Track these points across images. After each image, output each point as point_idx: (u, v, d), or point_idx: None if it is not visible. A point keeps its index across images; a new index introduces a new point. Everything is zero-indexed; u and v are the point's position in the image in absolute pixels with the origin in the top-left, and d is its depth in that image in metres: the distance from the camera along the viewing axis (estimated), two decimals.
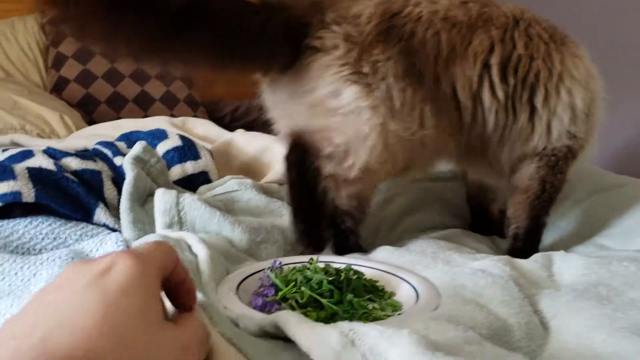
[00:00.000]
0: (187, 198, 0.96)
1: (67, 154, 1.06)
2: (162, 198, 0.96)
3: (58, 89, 2.31)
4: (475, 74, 0.95)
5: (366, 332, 0.55)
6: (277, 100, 0.99)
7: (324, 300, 0.75)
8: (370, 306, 0.77)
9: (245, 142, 1.39)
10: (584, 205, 1.22)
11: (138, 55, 0.89)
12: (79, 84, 2.33)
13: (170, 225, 0.91)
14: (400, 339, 0.54)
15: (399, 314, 0.76)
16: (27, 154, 1.05)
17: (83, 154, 1.08)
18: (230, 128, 1.70)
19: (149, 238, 0.86)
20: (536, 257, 0.90)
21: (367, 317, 0.74)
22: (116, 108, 2.34)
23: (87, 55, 2.37)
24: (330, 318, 0.73)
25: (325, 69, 0.90)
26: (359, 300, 0.76)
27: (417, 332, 0.59)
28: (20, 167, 0.95)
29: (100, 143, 1.18)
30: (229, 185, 1.10)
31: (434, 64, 0.93)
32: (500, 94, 0.97)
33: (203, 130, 1.53)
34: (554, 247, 1.04)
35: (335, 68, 0.90)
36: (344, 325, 0.57)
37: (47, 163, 1.01)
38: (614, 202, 1.20)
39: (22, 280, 0.77)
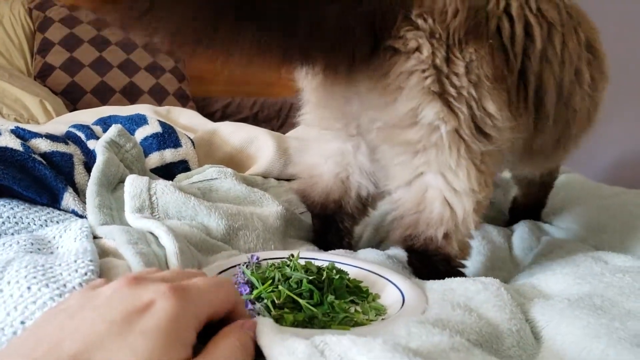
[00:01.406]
0: (160, 183, 0.90)
1: (36, 134, 0.99)
2: (133, 182, 0.89)
3: (42, 75, 2.24)
4: (567, 79, 0.88)
5: (337, 341, 0.50)
6: (337, 104, 0.89)
7: (302, 301, 0.69)
8: (352, 309, 0.71)
9: (230, 132, 1.32)
10: (582, 215, 1.21)
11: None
12: (64, 72, 2.27)
13: (140, 210, 0.85)
14: (373, 346, 0.48)
15: (382, 319, 0.71)
16: None
17: (54, 136, 1.02)
18: None
19: (115, 227, 0.80)
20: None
21: (348, 321, 0.68)
22: (102, 98, 2.27)
23: (75, 43, 2.31)
24: (308, 321, 0.67)
25: (406, 78, 0.78)
26: (340, 303, 0.70)
27: (398, 338, 0.54)
28: None
29: (74, 126, 1.11)
30: (207, 173, 1.04)
31: (521, 63, 0.84)
32: (588, 101, 0.92)
33: (187, 120, 1.47)
34: (551, 254, 1.02)
35: (417, 76, 0.77)
36: (318, 336, 0.51)
37: (13, 143, 0.94)
38: (612, 211, 1.18)
39: None
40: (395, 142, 0.82)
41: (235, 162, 1.27)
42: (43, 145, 0.97)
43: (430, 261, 0.86)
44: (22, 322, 0.55)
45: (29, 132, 1.00)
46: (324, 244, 0.99)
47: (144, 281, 0.46)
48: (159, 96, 2.35)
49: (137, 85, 2.34)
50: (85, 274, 0.63)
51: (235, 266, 0.78)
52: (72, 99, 2.22)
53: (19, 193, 0.87)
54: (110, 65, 2.34)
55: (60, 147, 0.98)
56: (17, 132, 0.99)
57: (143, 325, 0.40)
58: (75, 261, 0.65)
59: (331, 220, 0.99)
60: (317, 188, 0.98)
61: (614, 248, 1.05)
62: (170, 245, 0.74)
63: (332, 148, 0.96)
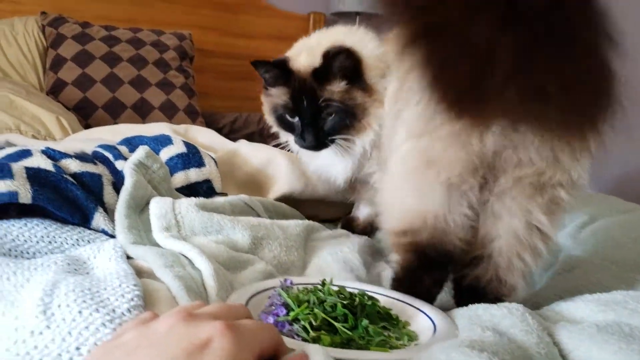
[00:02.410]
0: (184, 202, 0.93)
1: (66, 155, 1.01)
2: (158, 204, 0.92)
3: (55, 91, 2.26)
4: None
5: None
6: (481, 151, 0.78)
7: (338, 325, 0.71)
8: (385, 334, 0.72)
9: (250, 153, 1.36)
10: (598, 230, 1.22)
11: None
12: (76, 87, 2.28)
13: (167, 229, 0.87)
14: None
15: (415, 344, 0.72)
16: (25, 154, 1.00)
17: (83, 157, 1.04)
18: (229, 139, 1.66)
19: (147, 248, 0.82)
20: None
21: (384, 345, 0.69)
22: (113, 114, 2.29)
23: (87, 59, 2.33)
24: (346, 343, 0.69)
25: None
26: (374, 327, 0.72)
27: None
28: (18, 167, 0.90)
29: (101, 146, 1.13)
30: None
31: None
32: None
33: (206, 139, 1.49)
34: (569, 274, 1.02)
35: None
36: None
37: (45, 164, 0.96)
38: (627, 227, 1.19)
39: (14, 285, 0.72)
40: (543, 198, 0.80)
41: (256, 182, 1.30)
42: (73, 165, 0.99)
43: (481, 296, 0.84)
44: (78, 349, 0.56)
45: (59, 152, 1.01)
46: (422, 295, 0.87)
47: (197, 317, 0.48)
48: (169, 112, 2.37)
49: (148, 101, 2.36)
50: (132, 299, 0.65)
51: (268, 289, 0.80)
52: (84, 114, 2.23)
53: (51, 213, 0.89)
54: (122, 81, 2.35)
55: (90, 168, 1.00)
56: (48, 153, 1.01)
57: None
58: (120, 285, 0.67)
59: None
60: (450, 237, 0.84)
61: (631, 265, 1.06)
62: (206, 268, 0.76)
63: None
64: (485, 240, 0.83)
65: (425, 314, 0.79)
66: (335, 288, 0.78)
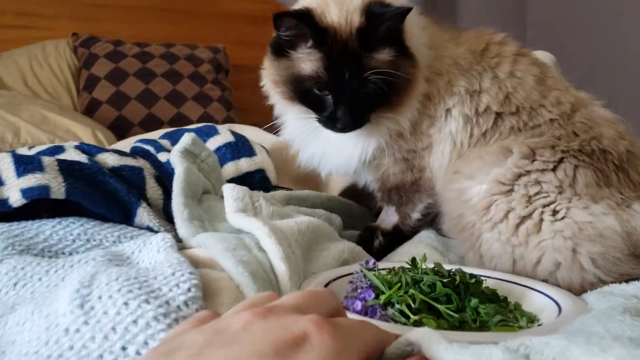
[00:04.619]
0: (260, 195, 0.81)
1: (102, 149, 0.91)
2: (233, 188, 0.80)
3: (90, 111, 2.19)
4: None
5: (544, 343, 0.38)
6: None
7: (441, 307, 0.57)
8: (497, 317, 0.58)
9: None
10: None
11: None
12: (111, 106, 2.21)
13: (244, 211, 0.74)
14: (604, 343, 0.36)
15: (539, 325, 0.58)
16: (58, 149, 0.90)
17: (121, 151, 0.93)
18: None
19: (206, 234, 0.69)
20: None
21: (506, 326, 0.55)
22: (150, 130, 2.16)
23: (121, 76, 2.27)
24: (458, 326, 0.55)
25: None
26: (486, 308, 0.58)
27: (602, 334, 0.48)
28: (48, 159, 0.79)
29: (140, 141, 1.02)
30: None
31: None
32: None
33: (253, 135, 1.36)
34: None
35: None
36: (511, 340, 0.40)
37: (79, 157, 0.85)
38: None
39: (47, 286, 0.60)
40: None
41: (314, 175, 1.16)
42: (110, 159, 0.88)
43: None
44: (124, 348, 0.44)
45: (95, 147, 0.91)
46: None
47: (278, 311, 0.38)
48: None
49: (185, 115, 2.28)
50: (189, 289, 0.52)
51: (347, 275, 0.67)
52: (120, 132, 2.14)
53: (88, 210, 0.78)
54: (157, 96, 2.28)
55: (129, 161, 0.89)
56: (82, 148, 0.90)
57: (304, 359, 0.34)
58: (174, 274, 0.54)
59: None
60: None
61: None
62: (273, 249, 0.63)
63: None
64: None
65: (540, 292, 0.65)
66: (425, 268, 0.64)
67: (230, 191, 0.78)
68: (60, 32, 2.46)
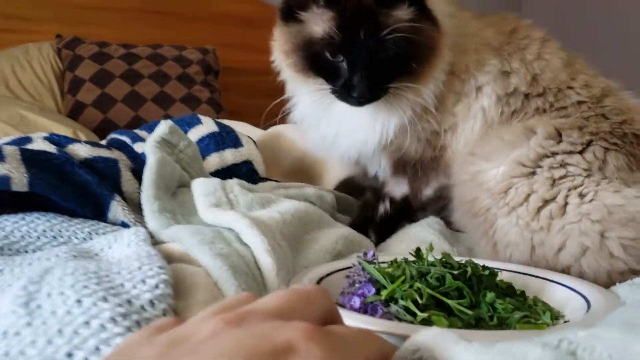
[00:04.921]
0: (235, 181, 0.72)
1: (74, 140, 0.83)
2: (203, 182, 0.72)
3: (74, 114, 2.11)
4: None
5: (591, 337, 0.30)
6: None
7: (452, 303, 0.49)
8: (516, 313, 0.51)
9: (297, 135, 1.12)
10: None
11: None
12: (96, 109, 2.13)
13: (217, 206, 0.66)
14: None
15: (565, 322, 0.51)
16: (24, 140, 0.82)
17: (95, 142, 0.85)
18: None
19: (180, 227, 0.61)
20: None
21: (529, 322, 0.48)
22: None
23: (106, 78, 2.19)
24: (474, 325, 0.48)
25: None
26: (504, 303, 0.51)
27: None
28: (10, 148, 0.71)
29: (116, 132, 0.95)
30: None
31: None
32: None
33: (240, 128, 1.28)
34: None
35: None
36: (550, 335, 0.32)
37: (48, 148, 0.78)
38: None
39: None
40: None
41: (304, 167, 1.09)
42: (82, 150, 0.80)
43: None
44: (69, 355, 0.36)
45: (66, 137, 0.83)
46: None
47: (256, 316, 0.30)
48: None
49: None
50: (157, 286, 0.44)
51: (338, 270, 0.60)
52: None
53: (56, 204, 0.70)
54: (144, 98, 2.19)
55: (103, 152, 0.81)
56: (52, 139, 0.83)
57: None
58: (140, 268, 0.47)
59: None
60: None
61: None
62: (257, 241, 0.55)
63: None
64: None
65: (563, 285, 0.58)
66: (432, 259, 0.57)
67: (198, 186, 0.70)
68: (44, 36, 2.37)
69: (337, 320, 0.34)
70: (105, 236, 0.64)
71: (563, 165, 0.73)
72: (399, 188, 0.92)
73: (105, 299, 0.40)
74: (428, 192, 0.90)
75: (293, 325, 0.29)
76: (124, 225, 0.72)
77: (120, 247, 0.58)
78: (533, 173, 0.73)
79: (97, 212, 0.73)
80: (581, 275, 0.66)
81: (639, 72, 2.29)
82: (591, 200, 0.69)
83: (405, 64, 0.80)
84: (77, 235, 0.67)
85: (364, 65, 0.78)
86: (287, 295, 0.33)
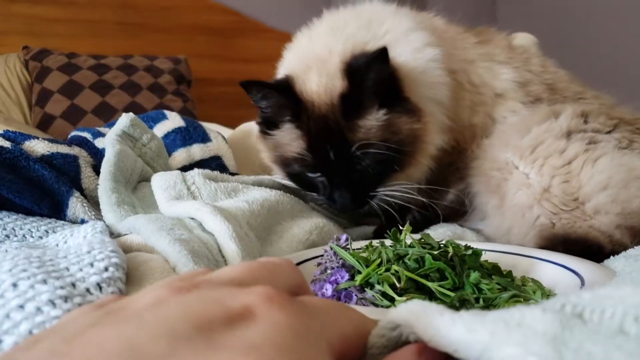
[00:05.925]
0: (196, 172, 0.68)
1: (31, 136, 0.78)
2: (162, 176, 0.68)
3: (43, 127, 2.06)
4: None
5: (606, 297, 0.26)
6: None
7: (433, 285, 0.46)
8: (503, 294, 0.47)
9: None
10: None
11: None
12: (66, 120, 2.08)
13: (178, 199, 0.62)
14: None
15: None
16: None
17: (53, 139, 0.81)
18: None
19: (138, 216, 0.57)
20: None
21: (520, 302, 0.45)
22: None
23: (76, 90, 2.14)
24: (455, 309, 0.44)
25: None
26: (490, 283, 0.47)
27: None
28: None
29: (77, 129, 0.91)
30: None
31: None
32: None
33: (212, 127, 1.24)
34: None
35: None
36: (555, 299, 0.28)
37: (2, 143, 0.73)
38: None
39: None
40: None
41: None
42: (40, 147, 0.76)
43: None
44: None
45: (21, 134, 0.78)
46: None
47: (209, 284, 0.26)
48: None
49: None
50: (106, 269, 0.40)
51: (310, 259, 0.56)
52: None
53: (9, 202, 0.66)
54: (115, 109, 2.15)
55: (62, 149, 0.77)
56: (7, 135, 0.78)
57: (241, 338, 0.22)
58: (90, 252, 0.42)
59: None
60: None
61: None
62: (221, 228, 0.51)
63: None
64: None
65: (553, 262, 0.55)
66: (409, 240, 0.53)
67: (158, 181, 0.67)
68: (11, 48, 2.32)
69: (307, 293, 0.30)
70: (61, 232, 0.59)
71: (593, 141, 0.71)
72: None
73: (44, 282, 0.36)
74: (450, 196, 0.86)
75: (252, 290, 0.25)
76: (84, 223, 0.68)
77: (76, 241, 0.54)
78: (564, 137, 0.72)
79: (55, 210, 0.68)
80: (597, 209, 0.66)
81: (608, 78, 2.32)
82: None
83: (385, 170, 0.75)
84: (33, 234, 0.63)
85: (341, 182, 0.74)
86: (249, 265, 0.29)
